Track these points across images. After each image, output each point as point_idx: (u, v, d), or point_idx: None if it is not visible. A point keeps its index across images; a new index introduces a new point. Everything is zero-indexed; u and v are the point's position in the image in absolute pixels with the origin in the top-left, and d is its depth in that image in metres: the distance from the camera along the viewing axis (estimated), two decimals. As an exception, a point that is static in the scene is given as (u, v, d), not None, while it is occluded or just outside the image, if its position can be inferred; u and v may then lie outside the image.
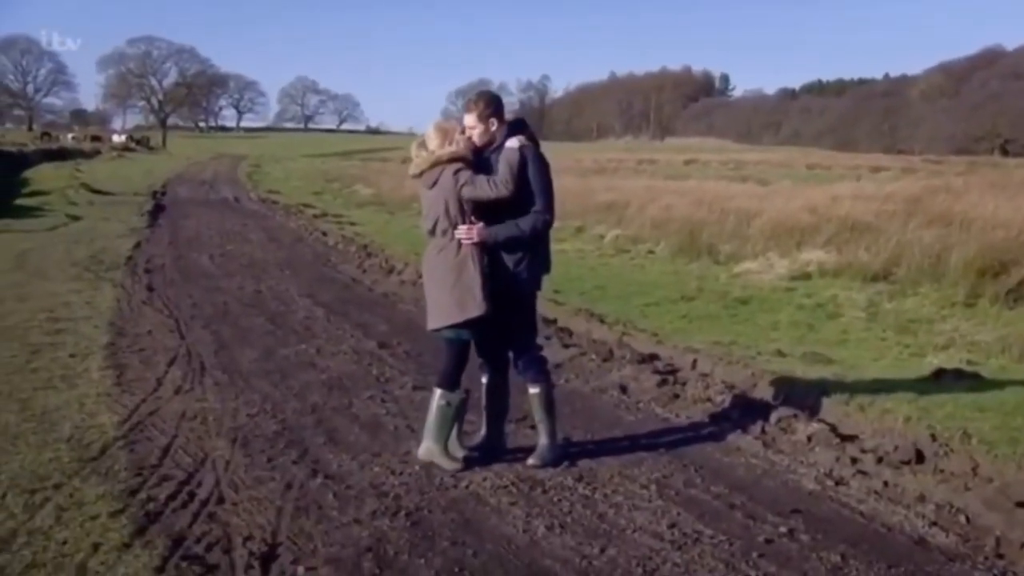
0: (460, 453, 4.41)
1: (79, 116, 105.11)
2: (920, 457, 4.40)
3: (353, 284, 10.61)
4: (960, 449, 4.39)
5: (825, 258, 12.16)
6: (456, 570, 3.25)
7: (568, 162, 40.88)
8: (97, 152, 56.94)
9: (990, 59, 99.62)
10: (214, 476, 4.08)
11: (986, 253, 10.54)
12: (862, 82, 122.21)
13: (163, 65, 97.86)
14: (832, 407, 5.20)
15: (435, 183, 4.25)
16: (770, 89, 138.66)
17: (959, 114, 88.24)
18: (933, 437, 4.53)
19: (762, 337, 8.13)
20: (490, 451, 4.50)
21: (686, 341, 7.47)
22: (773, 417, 5.09)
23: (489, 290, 4.22)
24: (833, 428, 4.88)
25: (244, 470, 4.19)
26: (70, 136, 72.46)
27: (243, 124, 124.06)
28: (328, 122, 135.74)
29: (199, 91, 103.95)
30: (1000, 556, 3.51)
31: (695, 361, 6.50)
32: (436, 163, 4.24)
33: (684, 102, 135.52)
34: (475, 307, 4.19)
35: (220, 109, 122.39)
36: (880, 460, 4.42)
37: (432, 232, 4.34)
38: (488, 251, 4.26)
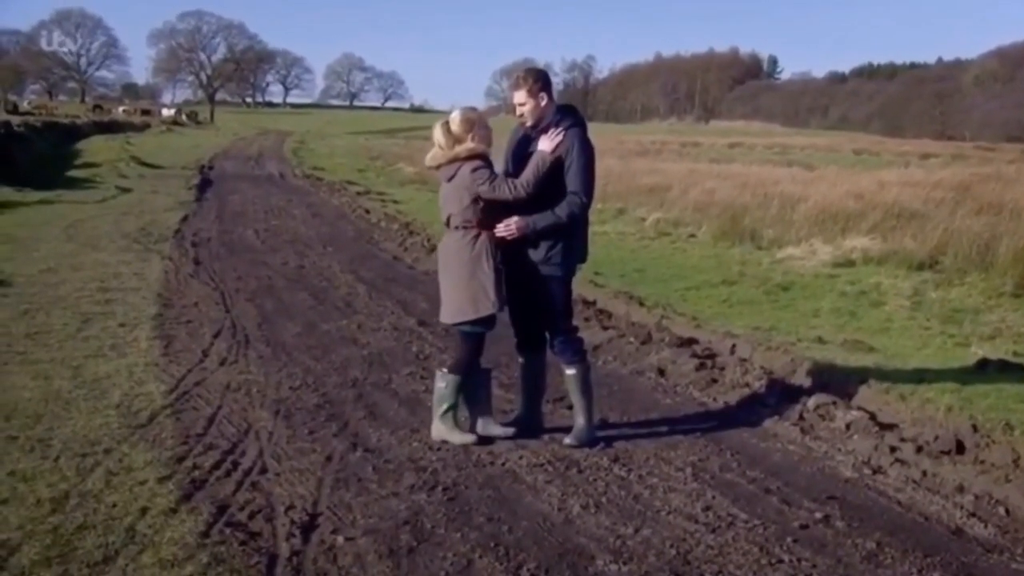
0: (497, 430, 4.46)
1: (130, 90, 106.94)
2: (960, 447, 4.36)
3: (394, 262, 10.71)
4: (1002, 440, 4.33)
5: (870, 245, 11.93)
6: (491, 545, 3.31)
7: (611, 143, 40.56)
8: (147, 125, 57.87)
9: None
10: (257, 447, 4.19)
11: (1035, 243, 10.30)
12: (914, 66, 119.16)
13: (212, 40, 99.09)
14: (872, 395, 5.15)
15: (452, 177, 4.26)
16: (819, 72, 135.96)
17: (1013, 100, 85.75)
18: (974, 427, 4.47)
19: (803, 323, 8.05)
20: (526, 430, 4.55)
21: (725, 326, 7.43)
22: (811, 404, 5.06)
23: (503, 286, 4.25)
24: (872, 416, 4.84)
25: (286, 441, 4.29)
26: (121, 109, 73.74)
27: (289, 100, 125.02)
28: (373, 99, 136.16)
29: (247, 66, 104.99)
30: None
31: (734, 346, 6.47)
32: (454, 159, 4.24)
33: (730, 84, 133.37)
34: (488, 305, 4.23)
35: (267, 85, 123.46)
36: (919, 449, 4.38)
37: (447, 224, 4.38)
38: (519, 239, 4.26)
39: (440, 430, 4.40)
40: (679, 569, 3.19)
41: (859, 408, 4.96)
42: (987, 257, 10.48)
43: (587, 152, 4.28)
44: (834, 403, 5.03)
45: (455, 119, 4.27)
